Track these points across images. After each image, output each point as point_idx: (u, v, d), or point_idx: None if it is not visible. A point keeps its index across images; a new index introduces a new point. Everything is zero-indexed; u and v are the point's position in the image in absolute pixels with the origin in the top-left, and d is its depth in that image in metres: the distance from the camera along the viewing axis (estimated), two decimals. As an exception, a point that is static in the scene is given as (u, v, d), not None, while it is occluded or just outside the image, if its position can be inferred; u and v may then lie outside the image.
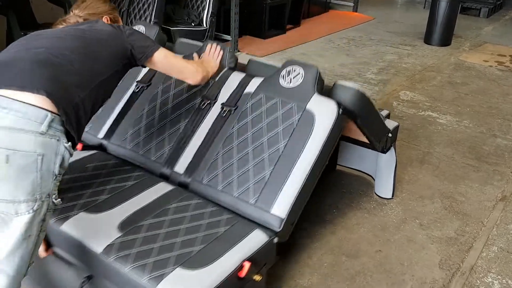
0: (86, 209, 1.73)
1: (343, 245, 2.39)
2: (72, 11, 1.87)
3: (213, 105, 2.13)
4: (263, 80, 2.14)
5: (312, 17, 7.35)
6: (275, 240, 1.73)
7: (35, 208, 1.36)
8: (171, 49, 2.20)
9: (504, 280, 2.22)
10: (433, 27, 6.07)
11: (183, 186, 1.97)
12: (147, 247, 1.57)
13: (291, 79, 2.05)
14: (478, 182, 3.01)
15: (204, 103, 2.15)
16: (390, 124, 2.61)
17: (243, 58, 2.37)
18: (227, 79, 2.20)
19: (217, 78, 2.21)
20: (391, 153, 2.65)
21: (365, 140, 2.38)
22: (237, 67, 2.30)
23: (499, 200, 2.84)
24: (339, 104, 1.97)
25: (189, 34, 5.16)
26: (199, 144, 2.05)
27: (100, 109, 1.75)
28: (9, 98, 1.34)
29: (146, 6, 4.79)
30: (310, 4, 7.26)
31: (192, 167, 2.00)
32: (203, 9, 5.30)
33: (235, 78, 2.20)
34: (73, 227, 1.67)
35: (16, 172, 1.31)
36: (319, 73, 2.05)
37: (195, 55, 2.28)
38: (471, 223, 2.61)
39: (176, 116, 2.16)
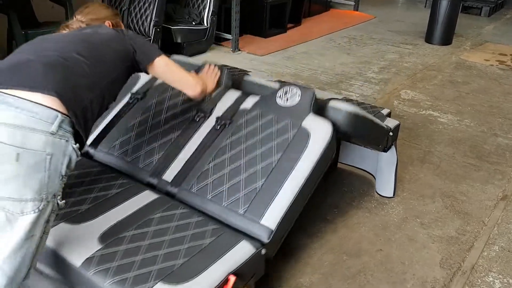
0: (67, 220, 1.66)
1: (344, 244, 2.39)
2: (75, 17, 1.90)
3: (208, 118, 2.12)
4: (259, 98, 2.16)
5: (313, 16, 7.34)
6: (263, 251, 1.67)
7: (41, 207, 1.37)
8: None
9: (505, 280, 2.21)
10: (434, 26, 6.06)
11: (170, 195, 1.91)
12: (128, 260, 1.51)
13: (288, 98, 2.07)
14: (479, 181, 3.01)
15: (198, 116, 2.13)
16: (391, 122, 2.61)
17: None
18: (223, 95, 2.21)
19: (213, 95, 2.21)
20: (392, 151, 2.65)
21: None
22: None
23: (500, 199, 2.83)
24: (334, 124, 1.98)
25: (190, 33, 5.17)
26: (190, 154, 2.00)
27: None
28: (21, 98, 1.37)
29: (147, 5, 4.79)
30: (311, 3, 7.25)
31: (181, 176, 1.95)
32: (204, 8, 5.30)
33: (231, 95, 2.22)
34: (52, 238, 1.59)
35: (25, 171, 1.33)
36: (315, 94, 2.07)
37: (193, 73, 2.28)
38: (472, 222, 2.61)
39: (169, 127, 2.12)
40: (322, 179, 2.00)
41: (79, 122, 1.48)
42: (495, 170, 3.15)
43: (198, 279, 1.47)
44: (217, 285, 1.49)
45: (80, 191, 1.85)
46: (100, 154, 2.12)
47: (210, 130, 2.08)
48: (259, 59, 5.33)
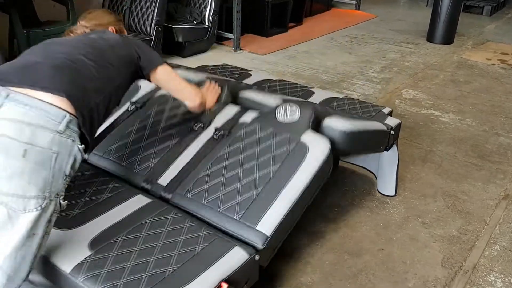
0: (57, 225, 1.61)
1: (345, 243, 2.39)
2: (79, 22, 1.94)
3: (206, 129, 2.12)
4: (258, 113, 2.19)
5: (314, 15, 7.34)
6: (257, 257, 1.64)
7: (43, 205, 1.37)
8: None
9: (507, 279, 2.21)
10: (436, 25, 6.05)
11: (165, 199, 1.89)
12: (118, 267, 1.49)
13: (287, 115, 2.10)
14: (481, 180, 3.00)
15: (197, 126, 2.14)
16: (392, 121, 2.60)
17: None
18: (223, 109, 2.23)
19: (212, 110, 2.22)
20: (394, 150, 2.64)
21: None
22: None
23: (502, 198, 2.83)
24: (331, 141, 2.02)
25: (191, 32, 5.17)
26: (187, 161, 1.99)
27: None
28: (30, 96, 1.39)
29: (148, 4, 4.79)
30: (312, 2, 7.25)
31: (176, 181, 1.93)
32: (205, 7, 5.30)
33: (231, 109, 2.24)
34: (42, 244, 1.58)
35: (31, 167, 1.34)
36: (315, 112, 2.11)
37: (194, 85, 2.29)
38: (473, 221, 2.60)
39: (167, 135, 2.12)
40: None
41: (85, 124, 1.51)
42: (497, 169, 3.14)
43: (189, 287, 1.44)
44: None
45: (71, 195, 1.80)
46: (95, 158, 2.10)
47: (208, 140, 2.07)
48: (260, 58, 5.33)
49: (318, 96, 2.89)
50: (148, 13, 4.78)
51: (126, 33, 2.01)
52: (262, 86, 3.00)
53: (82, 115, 1.48)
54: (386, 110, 2.75)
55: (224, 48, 5.66)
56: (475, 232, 2.52)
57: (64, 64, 1.53)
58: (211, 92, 2.17)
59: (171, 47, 5.16)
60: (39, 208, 1.37)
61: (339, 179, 2.90)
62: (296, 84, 3.14)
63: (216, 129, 2.10)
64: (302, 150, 1.94)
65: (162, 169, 1.99)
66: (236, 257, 1.59)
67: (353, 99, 2.92)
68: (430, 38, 6.18)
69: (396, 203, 2.73)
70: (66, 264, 1.51)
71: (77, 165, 1.48)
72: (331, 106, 2.74)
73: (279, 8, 6.20)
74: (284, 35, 6.30)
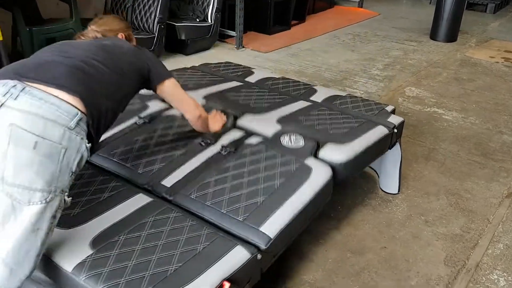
0: (58, 224, 1.58)
1: (348, 242, 2.39)
2: (90, 27, 1.98)
3: (213, 145, 2.17)
4: (263, 138, 2.26)
5: (317, 13, 7.33)
6: (259, 256, 1.63)
7: (48, 199, 1.38)
8: None
9: (510, 277, 2.20)
10: (439, 23, 6.03)
11: (167, 200, 1.88)
12: (120, 265, 1.48)
13: (292, 142, 2.21)
14: (484, 179, 3.00)
15: (204, 142, 2.18)
16: (395, 119, 2.60)
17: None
18: (228, 132, 2.29)
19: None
20: (397, 149, 2.64)
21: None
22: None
23: (505, 197, 2.82)
24: (333, 169, 2.09)
25: (194, 30, 5.17)
26: (193, 168, 2.01)
27: None
28: (45, 92, 1.43)
29: (151, 2, 4.79)
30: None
31: (181, 184, 1.93)
32: (208, 5, 5.30)
33: (236, 132, 2.30)
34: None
35: (40, 159, 1.36)
36: (318, 144, 2.21)
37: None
38: (476, 220, 2.60)
39: (173, 146, 2.14)
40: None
41: (93, 125, 1.54)
42: (500, 167, 3.13)
43: (191, 286, 1.44)
44: None
45: (72, 193, 1.77)
46: (98, 159, 2.09)
47: (215, 154, 2.12)
48: (263, 56, 5.33)
49: (321, 94, 2.89)
50: (151, 10, 4.77)
51: (135, 40, 2.07)
52: (265, 84, 3.00)
53: (92, 115, 1.52)
54: (389, 108, 2.74)
55: (227, 46, 5.66)
56: (478, 230, 2.52)
57: (79, 67, 1.57)
58: (217, 120, 2.27)
59: (173, 45, 5.17)
60: (43, 201, 1.37)
61: (342, 177, 2.90)
62: (299, 82, 3.14)
63: (223, 146, 2.15)
64: (306, 170, 2.00)
65: (167, 173, 1.99)
66: (238, 256, 1.58)
67: (356, 97, 2.91)
68: (433, 36, 6.16)
69: (399, 201, 2.73)
70: (67, 262, 1.50)
71: (83, 163, 1.50)
72: (334, 104, 2.74)
73: (281, 5, 6.19)
74: (287, 32, 6.29)
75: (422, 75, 4.87)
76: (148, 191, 1.90)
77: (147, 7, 4.81)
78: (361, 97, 2.93)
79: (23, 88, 1.42)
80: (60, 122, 1.41)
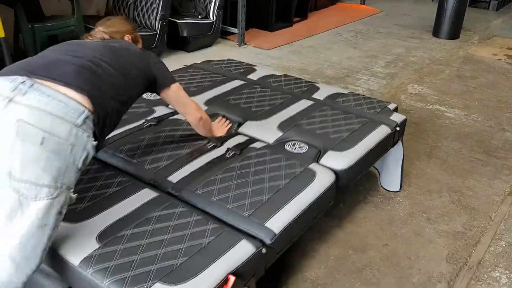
0: (64, 218, 1.60)
1: (350, 239, 2.39)
2: (97, 27, 2.00)
3: (219, 148, 2.19)
4: (267, 144, 2.29)
5: (319, 10, 7.32)
6: (263, 251, 1.65)
7: (54, 195, 1.40)
8: None
9: None
10: (442, 20, 6.02)
11: (173, 195, 1.89)
12: (126, 260, 1.49)
13: (296, 148, 2.24)
14: (486, 176, 3.00)
15: (210, 145, 2.20)
16: (398, 117, 2.60)
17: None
18: (233, 137, 2.31)
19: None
20: (399, 146, 2.64)
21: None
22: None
23: (507, 194, 2.82)
24: (336, 174, 2.10)
25: (196, 27, 5.17)
26: (199, 166, 2.03)
27: None
28: (53, 89, 1.45)
29: (153, -2, 4.78)
30: (317, -4, 7.23)
31: (186, 180, 1.95)
32: (210, 2, 5.29)
33: (241, 137, 2.32)
34: (50, 236, 1.59)
35: (47, 155, 1.37)
36: (321, 152, 2.23)
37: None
38: (479, 217, 2.60)
39: (179, 146, 2.17)
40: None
41: (99, 123, 1.55)
42: (503, 165, 3.13)
43: (197, 279, 1.45)
44: (217, 285, 1.46)
45: (78, 189, 1.80)
46: (104, 155, 2.11)
47: (220, 155, 2.14)
48: (265, 53, 5.32)
49: (323, 92, 2.89)
50: (153, 7, 4.77)
51: (141, 42, 2.10)
52: (267, 82, 3.00)
53: (98, 115, 1.53)
54: (392, 106, 2.74)
55: (229, 42, 5.66)
56: (480, 228, 2.52)
57: (86, 66, 1.59)
58: (222, 126, 2.37)
59: (175, 42, 5.16)
60: (50, 197, 1.39)
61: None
62: (301, 79, 3.14)
63: (228, 149, 2.17)
64: (310, 174, 2.02)
65: (173, 169, 2.01)
66: (243, 250, 1.60)
67: (358, 95, 2.91)
68: (435, 33, 6.15)
69: (401, 199, 2.73)
70: (74, 256, 1.52)
71: (88, 160, 1.51)
72: (336, 102, 2.74)
73: (284, 2, 6.18)
74: (289, 29, 6.28)
75: (425, 72, 4.87)
76: (154, 187, 1.91)
77: (149, 4, 4.81)
78: (363, 95, 2.93)
79: (32, 85, 1.44)
80: (67, 119, 1.43)
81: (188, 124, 2.26)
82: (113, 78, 1.66)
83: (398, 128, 2.51)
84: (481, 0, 7.94)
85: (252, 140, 2.30)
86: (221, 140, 2.24)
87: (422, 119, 3.76)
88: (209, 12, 5.30)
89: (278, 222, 1.74)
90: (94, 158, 2.09)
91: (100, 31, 1.97)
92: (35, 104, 1.40)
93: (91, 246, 1.55)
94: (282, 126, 2.43)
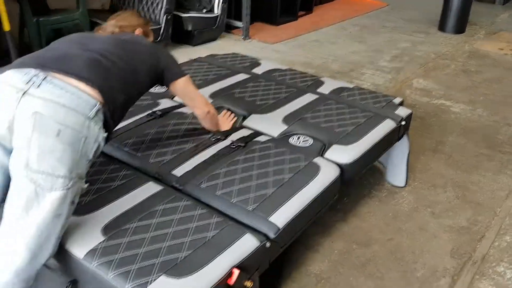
0: None
1: (354, 233, 2.39)
2: (109, 21, 2.01)
3: (223, 141, 2.19)
4: (272, 138, 2.28)
5: (325, 4, 7.29)
6: (267, 244, 1.65)
7: (69, 186, 1.43)
8: None
9: (516, 270, 2.21)
10: (448, 14, 5.98)
11: (177, 189, 1.89)
12: (131, 253, 1.50)
13: (300, 141, 2.24)
14: (491, 171, 2.98)
15: (214, 138, 2.20)
16: (403, 111, 2.59)
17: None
18: (238, 130, 2.32)
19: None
20: (404, 141, 2.63)
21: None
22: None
23: (513, 189, 2.81)
24: (340, 168, 2.10)
25: (201, 21, 5.15)
26: (203, 160, 2.04)
27: None
28: (66, 82, 1.48)
29: (157, -8, 4.77)
30: (322, -10, 7.19)
31: (191, 174, 1.95)
32: (215, -4, 5.27)
33: (246, 131, 2.33)
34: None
35: (62, 147, 1.40)
36: (326, 145, 2.23)
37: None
38: (483, 212, 2.59)
39: (184, 140, 2.17)
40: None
41: (109, 116, 1.57)
42: (508, 160, 3.12)
43: (201, 272, 1.46)
44: (221, 279, 1.47)
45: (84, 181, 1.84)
46: (108, 148, 2.11)
47: (225, 147, 2.14)
48: (270, 47, 5.31)
49: (328, 86, 2.88)
50: (157, 1, 4.76)
51: (153, 36, 2.11)
52: (272, 76, 2.99)
53: (108, 108, 1.55)
54: (397, 100, 2.73)
55: (233, 36, 5.64)
56: (485, 222, 2.51)
57: (97, 60, 1.60)
58: (227, 119, 2.38)
59: (180, 36, 5.15)
60: (65, 188, 1.42)
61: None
62: (306, 73, 3.14)
63: (232, 142, 2.17)
64: (314, 168, 2.02)
65: (177, 163, 2.01)
66: (247, 244, 1.60)
67: (363, 89, 2.90)
68: (441, 27, 6.11)
69: (405, 193, 2.72)
70: (79, 249, 1.53)
71: (99, 151, 1.54)
72: (341, 97, 2.73)
73: (289, -4, 6.16)
74: (294, 23, 6.26)
75: (430, 67, 4.84)
76: (158, 180, 1.92)
77: (154, -3, 4.80)
78: (368, 89, 2.92)
79: (45, 77, 1.46)
80: (80, 112, 1.45)
81: (193, 117, 2.26)
82: (122, 72, 1.67)
83: (403, 123, 2.50)
84: (487, -6, 7.87)
85: (257, 133, 2.30)
86: (226, 134, 2.25)
87: (427, 113, 3.74)
88: (213, 6, 5.28)
89: (282, 216, 1.75)
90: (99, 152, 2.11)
91: (111, 25, 1.98)
92: (49, 96, 1.42)
93: (96, 239, 1.56)
94: (286, 119, 2.42)
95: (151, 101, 2.51)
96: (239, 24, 5.61)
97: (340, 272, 2.14)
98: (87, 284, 1.56)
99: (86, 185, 1.54)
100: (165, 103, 2.52)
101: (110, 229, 1.60)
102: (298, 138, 2.27)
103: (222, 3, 5.25)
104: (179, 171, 1.96)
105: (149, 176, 1.94)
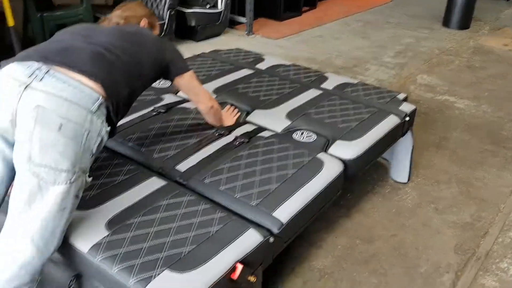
0: None
1: (358, 229, 2.39)
2: (114, 12, 2.00)
3: (227, 136, 2.19)
4: (275, 133, 2.28)
5: (328, -1, 7.26)
6: (271, 240, 1.65)
7: (72, 180, 1.43)
8: None
9: (520, 266, 2.20)
10: (452, 10, 5.94)
11: (181, 184, 1.90)
12: (135, 247, 1.51)
13: (304, 137, 2.24)
14: (496, 167, 2.98)
15: (218, 133, 2.20)
16: (407, 107, 2.58)
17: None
18: (242, 126, 2.32)
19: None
20: (408, 137, 2.63)
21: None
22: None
23: (517, 185, 2.81)
24: (344, 163, 2.10)
25: (204, 17, 5.15)
26: (207, 155, 2.04)
27: None
28: (69, 76, 1.47)
29: (161, -13, 4.77)
30: (326, -14, 7.16)
31: (194, 169, 1.96)
32: (218, -9, 5.26)
33: (249, 126, 2.32)
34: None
35: (64, 141, 1.40)
36: (329, 141, 2.23)
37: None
38: (487, 208, 2.59)
39: (188, 135, 2.17)
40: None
41: (112, 110, 1.57)
42: (512, 156, 3.11)
43: (205, 267, 1.46)
44: (224, 273, 1.47)
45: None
46: (112, 143, 2.12)
47: (228, 143, 2.14)
48: (273, 43, 5.30)
49: (332, 81, 2.88)
50: (161, -4, 4.76)
51: (158, 27, 2.09)
52: (275, 71, 2.99)
53: (111, 102, 1.55)
54: (401, 96, 2.73)
55: (237, 32, 5.64)
56: (488, 219, 2.51)
57: (101, 54, 1.59)
58: (231, 115, 2.37)
59: (183, 32, 5.15)
60: (68, 182, 1.42)
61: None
62: (310, 69, 3.13)
63: (236, 137, 2.17)
64: (318, 163, 2.02)
65: (181, 158, 2.01)
66: (251, 239, 1.60)
67: (367, 84, 2.90)
68: (446, 23, 6.08)
69: (409, 189, 2.72)
70: (83, 244, 1.53)
71: (102, 145, 1.54)
72: (345, 92, 2.72)
73: (292, -9, 6.14)
74: (298, 19, 6.24)
75: (434, 62, 4.82)
76: (162, 175, 1.92)
77: (157, -7, 4.79)
78: (373, 85, 2.92)
79: (48, 71, 1.46)
80: (83, 105, 1.44)
81: (197, 112, 2.26)
82: (126, 66, 1.66)
83: (407, 118, 2.50)
84: (492, -10, 7.82)
85: (260, 129, 2.29)
86: (229, 129, 2.25)
87: (431, 109, 3.73)
88: (217, 1, 5.28)
89: (285, 211, 1.75)
90: (103, 146, 2.11)
91: (116, 16, 1.97)
92: (52, 90, 1.42)
93: (100, 233, 1.56)
94: (290, 115, 2.42)
95: (155, 96, 2.51)
96: (242, 19, 5.60)
97: (343, 268, 2.15)
98: (91, 278, 1.57)
99: (90, 179, 1.53)
100: (169, 98, 2.52)
101: (114, 223, 1.61)
102: (302, 133, 2.27)
103: (226, -2, 5.24)
104: (182, 166, 1.97)
105: (153, 171, 1.94)
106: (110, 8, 4.64)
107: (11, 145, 1.46)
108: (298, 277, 2.08)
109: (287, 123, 2.36)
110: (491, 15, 6.72)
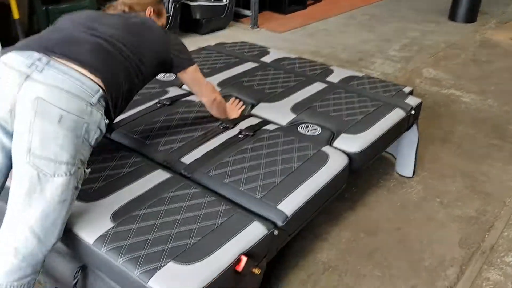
0: (79, 198, 1.63)
1: (362, 222, 2.39)
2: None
3: (231, 129, 2.19)
4: (280, 126, 2.28)
5: (334, -7, 7.22)
6: (276, 232, 1.66)
7: (72, 171, 1.43)
8: None
9: (525, 260, 2.20)
10: (458, 3, 5.90)
11: (186, 176, 1.90)
12: (140, 239, 1.52)
13: (309, 130, 2.24)
14: (501, 161, 2.96)
15: (223, 126, 2.20)
16: (413, 101, 2.57)
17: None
18: (246, 119, 2.31)
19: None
20: (414, 130, 2.62)
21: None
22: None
23: (522, 180, 2.79)
24: (349, 156, 2.10)
25: (209, 10, 5.13)
26: (212, 148, 2.05)
27: None
28: (69, 67, 1.47)
29: (166, -20, 4.75)
30: (331, -21, 7.12)
31: (199, 162, 1.96)
32: (223, -16, 5.24)
33: (254, 119, 2.32)
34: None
35: (64, 133, 1.40)
36: (334, 134, 2.22)
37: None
38: (492, 202, 2.58)
39: (193, 128, 2.17)
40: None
41: (112, 103, 1.56)
42: (518, 150, 3.10)
43: (209, 259, 1.47)
44: (229, 265, 1.48)
45: (92, 169, 1.79)
46: (117, 135, 2.13)
47: (233, 136, 2.14)
48: (278, 36, 5.28)
49: (337, 75, 2.87)
50: (166, -11, 4.74)
51: (165, 15, 2.07)
52: (281, 64, 2.98)
53: (111, 95, 1.54)
54: (407, 89, 2.71)
55: (242, 25, 5.62)
56: (493, 213, 2.50)
57: (103, 46, 1.59)
58: (236, 107, 2.36)
59: (188, 25, 5.14)
60: (68, 173, 1.42)
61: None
62: (315, 62, 3.12)
63: (241, 131, 2.17)
64: (323, 157, 2.02)
65: (185, 151, 2.02)
66: (255, 231, 1.60)
67: (373, 78, 2.89)
68: (452, 16, 6.04)
69: (414, 183, 2.71)
70: (89, 235, 1.54)
71: (100, 138, 1.54)
72: (351, 85, 2.72)
73: (298, -15, 6.11)
74: (303, 12, 6.22)
75: (440, 56, 4.80)
76: (167, 168, 1.92)
77: (162, -14, 4.78)
78: (378, 78, 2.90)
79: (48, 62, 1.45)
80: (83, 97, 1.44)
81: (201, 105, 2.26)
82: (128, 60, 1.65)
83: (413, 112, 2.49)
84: (499, -17, 7.76)
85: (265, 122, 2.29)
86: (234, 122, 2.25)
87: (437, 103, 3.72)
88: (222, -6, 5.26)
89: (290, 204, 1.75)
90: (108, 138, 2.12)
91: (121, 3, 1.94)
92: (52, 82, 1.41)
93: (106, 225, 1.57)
94: (295, 108, 2.42)
95: (160, 89, 2.52)
96: (247, 13, 5.59)
97: (347, 261, 2.15)
98: (96, 270, 1.58)
99: (88, 170, 1.53)
100: (173, 91, 2.52)
101: (119, 215, 1.61)
102: (307, 126, 2.26)
103: (231, -9, 5.22)
104: (187, 159, 1.97)
105: (158, 164, 1.95)
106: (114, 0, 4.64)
107: (10, 135, 1.45)
108: (302, 270, 2.09)
109: (292, 116, 2.35)
110: (497, 9, 6.67)
